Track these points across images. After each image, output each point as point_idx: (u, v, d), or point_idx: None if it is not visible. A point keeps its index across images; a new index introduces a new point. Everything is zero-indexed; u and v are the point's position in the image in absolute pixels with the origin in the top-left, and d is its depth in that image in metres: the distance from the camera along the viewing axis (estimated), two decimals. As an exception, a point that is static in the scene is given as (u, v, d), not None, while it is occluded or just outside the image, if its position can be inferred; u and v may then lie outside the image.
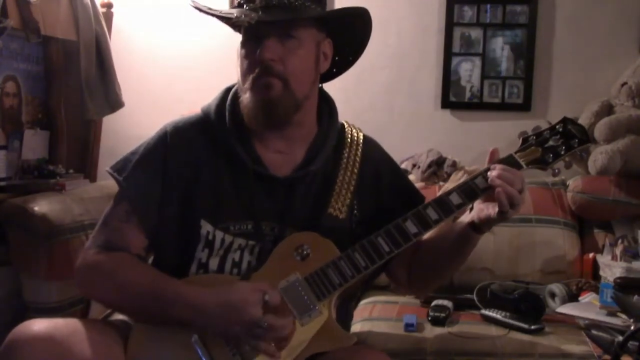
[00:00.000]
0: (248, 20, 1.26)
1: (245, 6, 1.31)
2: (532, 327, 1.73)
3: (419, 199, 1.47)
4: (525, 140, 1.39)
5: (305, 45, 1.34)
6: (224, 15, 1.35)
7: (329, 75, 1.48)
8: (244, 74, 1.35)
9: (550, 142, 1.37)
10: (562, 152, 1.37)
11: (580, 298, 1.97)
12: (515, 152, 1.37)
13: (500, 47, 2.60)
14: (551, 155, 1.36)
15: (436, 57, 2.64)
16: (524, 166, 1.35)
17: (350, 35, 1.43)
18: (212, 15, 1.38)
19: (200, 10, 1.38)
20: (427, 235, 1.38)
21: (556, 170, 1.38)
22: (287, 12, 1.30)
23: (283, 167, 1.40)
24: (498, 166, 1.31)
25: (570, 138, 1.37)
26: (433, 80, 2.65)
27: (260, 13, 1.27)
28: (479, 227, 1.34)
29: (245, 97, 1.34)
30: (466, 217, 1.38)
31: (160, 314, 1.26)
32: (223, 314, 1.22)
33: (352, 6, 1.38)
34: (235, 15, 1.30)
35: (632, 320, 1.68)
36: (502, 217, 1.29)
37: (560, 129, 1.38)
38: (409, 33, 2.66)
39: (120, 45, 2.64)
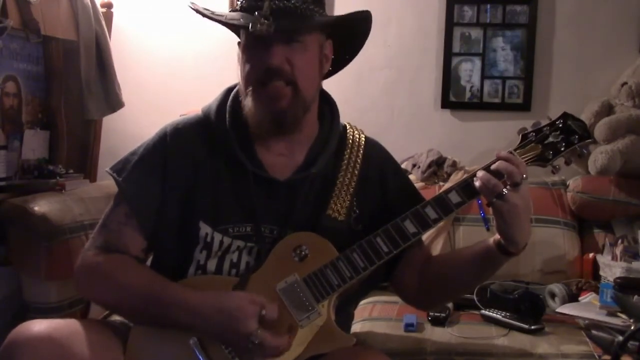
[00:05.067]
0: (266, 29, 1.23)
1: (254, 12, 1.27)
2: (532, 327, 1.73)
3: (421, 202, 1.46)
4: (524, 137, 1.36)
5: (310, 49, 1.34)
6: (232, 23, 1.32)
7: (326, 74, 1.46)
8: (248, 79, 1.33)
9: (550, 139, 1.34)
10: (562, 149, 1.33)
11: (580, 298, 1.97)
12: (515, 149, 1.34)
13: (500, 47, 2.59)
14: (551, 152, 1.33)
15: (436, 57, 2.64)
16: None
17: (349, 36, 1.43)
18: (219, 22, 1.34)
19: (205, 16, 1.35)
20: (426, 234, 1.37)
21: (556, 167, 1.35)
22: (295, 18, 1.29)
23: (283, 170, 1.39)
24: (503, 154, 1.28)
25: (570, 134, 1.34)
26: (433, 80, 2.65)
27: (271, 20, 1.25)
28: (503, 245, 1.30)
29: (250, 102, 1.33)
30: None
31: (158, 316, 1.26)
32: (219, 321, 1.21)
33: (357, 11, 1.37)
34: (242, 21, 1.28)
35: (632, 320, 1.68)
36: (495, 211, 1.25)
37: (560, 125, 1.34)
38: (409, 33, 2.66)
39: (120, 45, 2.64)
